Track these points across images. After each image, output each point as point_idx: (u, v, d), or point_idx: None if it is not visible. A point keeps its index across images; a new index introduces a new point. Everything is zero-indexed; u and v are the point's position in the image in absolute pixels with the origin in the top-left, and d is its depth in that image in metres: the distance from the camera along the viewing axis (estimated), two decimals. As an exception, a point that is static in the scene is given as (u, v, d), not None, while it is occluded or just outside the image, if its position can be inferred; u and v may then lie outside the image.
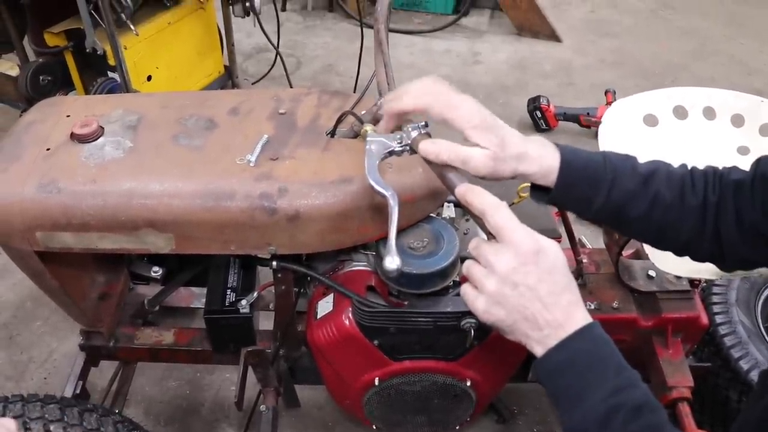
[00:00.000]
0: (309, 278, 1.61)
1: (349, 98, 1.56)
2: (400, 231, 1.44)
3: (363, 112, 1.40)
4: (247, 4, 3.47)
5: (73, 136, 1.41)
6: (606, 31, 4.93)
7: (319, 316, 1.54)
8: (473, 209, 0.98)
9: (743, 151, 1.66)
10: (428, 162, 1.11)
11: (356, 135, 1.44)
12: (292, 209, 1.32)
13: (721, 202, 1.09)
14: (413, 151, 1.16)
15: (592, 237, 2.66)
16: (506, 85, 4.25)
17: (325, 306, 1.54)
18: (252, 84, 4.11)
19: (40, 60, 2.99)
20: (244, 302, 1.59)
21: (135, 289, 1.94)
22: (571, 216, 1.65)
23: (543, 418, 2.33)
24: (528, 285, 0.91)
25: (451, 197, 1.43)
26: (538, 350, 0.92)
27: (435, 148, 1.06)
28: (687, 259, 1.19)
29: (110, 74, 2.94)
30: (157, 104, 1.55)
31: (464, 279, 0.99)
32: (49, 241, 1.36)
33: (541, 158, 1.09)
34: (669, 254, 1.20)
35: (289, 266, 1.50)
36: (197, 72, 3.50)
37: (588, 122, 3.68)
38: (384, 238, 1.36)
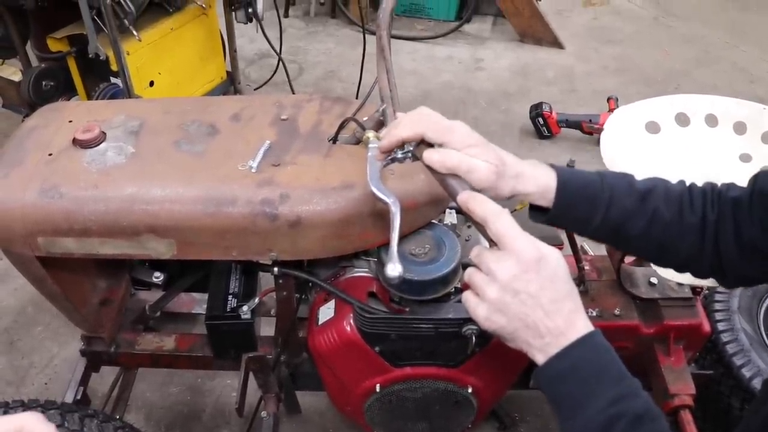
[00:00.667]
0: (310, 284, 1.61)
1: (351, 105, 1.57)
2: (402, 237, 1.44)
3: (365, 119, 1.40)
4: (250, 10, 3.48)
5: (76, 142, 1.41)
6: (608, 38, 4.94)
7: (320, 323, 1.53)
8: (475, 216, 0.98)
9: (745, 158, 1.66)
10: (430, 170, 1.12)
11: (358, 141, 1.44)
12: (294, 215, 1.32)
13: (720, 218, 1.10)
14: (415, 158, 1.16)
15: (593, 244, 2.65)
16: (509, 92, 4.26)
17: (326, 312, 1.54)
18: (254, 90, 4.12)
19: (43, 65, 3.00)
20: (245, 308, 1.59)
21: (136, 294, 1.93)
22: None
23: (544, 425, 2.32)
24: (529, 293, 0.91)
25: (453, 204, 1.43)
26: (540, 358, 0.92)
27: (439, 156, 1.06)
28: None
29: (113, 80, 2.94)
30: (159, 110, 1.55)
31: (466, 286, 0.98)
32: (51, 247, 1.36)
33: (537, 178, 1.10)
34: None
35: (291, 272, 1.50)
36: (199, 78, 3.51)
37: (590, 129, 3.69)
38: (385, 245, 1.36)
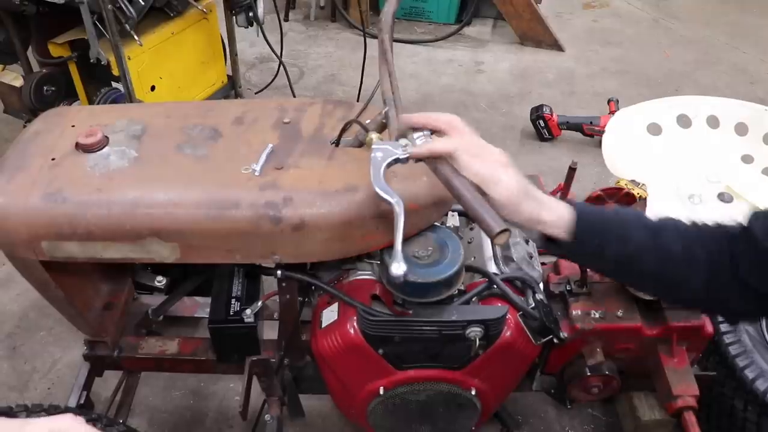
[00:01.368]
0: (313, 287, 1.61)
1: (353, 108, 1.57)
2: (405, 239, 1.44)
3: (368, 122, 1.41)
4: (251, 14, 3.49)
5: (78, 146, 1.41)
6: (609, 40, 4.94)
7: (323, 326, 1.53)
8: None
9: (747, 159, 1.67)
10: (433, 168, 1.12)
11: (361, 144, 1.44)
12: (297, 218, 1.32)
13: (725, 256, 1.11)
14: (418, 159, 1.16)
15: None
16: (509, 95, 4.26)
17: (329, 315, 1.54)
18: (255, 94, 4.12)
19: (44, 70, 3.00)
20: (248, 312, 1.59)
21: (139, 298, 1.93)
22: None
23: (548, 427, 2.32)
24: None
25: (457, 206, 1.43)
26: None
27: (476, 167, 1.10)
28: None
29: (114, 84, 2.95)
30: (161, 114, 1.56)
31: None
32: (54, 251, 1.37)
33: (555, 208, 1.13)
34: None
35: (294, 275, 1.50)
36: (200, 82, 3.51)
37: (591, 131, 3.69)
38: (389, 247, 1.36)
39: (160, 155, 1.43)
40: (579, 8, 5.45)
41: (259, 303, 1.61)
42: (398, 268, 1.03)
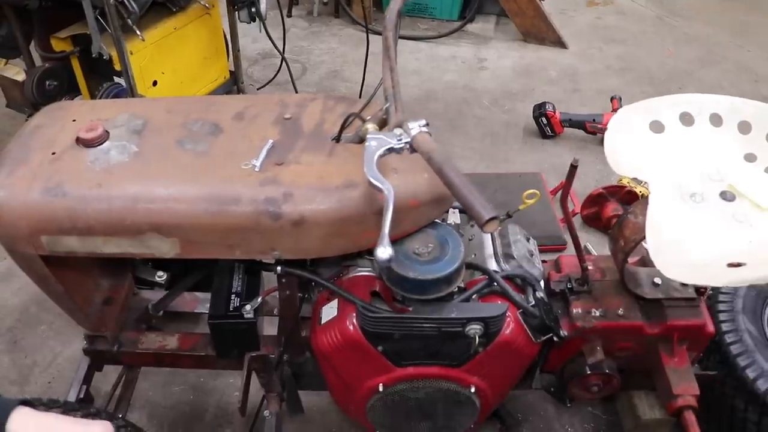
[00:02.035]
0: (313, 283, 1.61)
1: (355, 104, 1.56)
2: (406, 236, 1.44)
3: (368, 118, 1.40)
4: (253, 9, 3.48)
5: (79, 141, 1.41)
6: (612, 38, 4.93)
7: (323, 322, 1.53)
8: None
9: (750, 158, 1.66)
10: (426, 158, 1.12)
11: (361, 140, 1.44)
12: (297, 214, 1.32)
13: None
14: (413, 149, 1.16)
15: (597, 244, 2.65)
16: (512, 92, 4.25)
17: (329, 311, 1.54)
18: (257, 89, 4.11)
19: (47, 65, 3.00)
20: (248, 307, 1.59)
21: (139, 293, 1.93)
22: (576, 222, 1.65)
23: (548, 425, 2.32)
24: None
25: (457, 203, 1.43)
26: None
27: None
28: (693, 265, 1.18)
29: (116, 79, 2.94)
30: (162, 109, 1.55)
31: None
32: (54, 245, 1.37)
33: None
34: (675, 261, 1.19)
35: (294, 271, 1.50)
36: (203, 77, 3.51)
37: (594, 129, 3.68)
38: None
39: (161, 150, 1.42)
40: (582, 5, 5.44)
41: (259, 299, 1.61)
42: (384, 252, 1.03)
